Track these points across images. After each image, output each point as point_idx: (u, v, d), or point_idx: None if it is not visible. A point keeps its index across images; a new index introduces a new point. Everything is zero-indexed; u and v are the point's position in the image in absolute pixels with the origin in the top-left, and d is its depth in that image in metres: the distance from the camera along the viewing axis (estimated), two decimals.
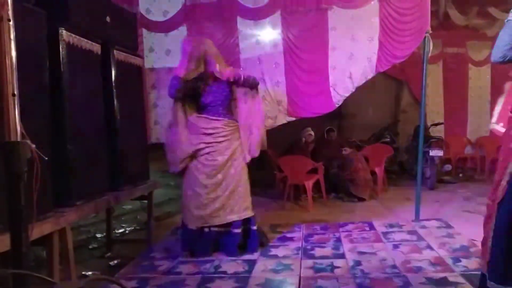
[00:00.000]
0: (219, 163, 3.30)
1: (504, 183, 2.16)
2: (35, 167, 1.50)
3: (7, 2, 1.40)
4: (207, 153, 3.30)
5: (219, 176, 3.30)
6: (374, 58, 4.37)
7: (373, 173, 5.75)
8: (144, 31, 4.76)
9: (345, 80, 4.47)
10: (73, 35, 2.70)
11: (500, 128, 2.63)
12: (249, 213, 3.42)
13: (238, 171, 3.38)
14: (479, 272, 2.41)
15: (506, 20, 2.18)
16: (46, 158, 1.64)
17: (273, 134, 4.94)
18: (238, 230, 3.39)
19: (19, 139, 1.43)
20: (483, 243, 2.33)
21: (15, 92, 1.42)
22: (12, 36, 1.43)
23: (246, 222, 3.44)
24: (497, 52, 2.18)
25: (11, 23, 1.42)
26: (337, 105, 4.61)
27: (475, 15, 6.62)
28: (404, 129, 7.58)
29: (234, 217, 3.34)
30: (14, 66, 1.43)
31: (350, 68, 4.44)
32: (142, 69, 3.90)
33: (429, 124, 6.88)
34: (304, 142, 6.09)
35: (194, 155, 3.34)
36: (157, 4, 4.74)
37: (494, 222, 2.21)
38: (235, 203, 3.35)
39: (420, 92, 4.42)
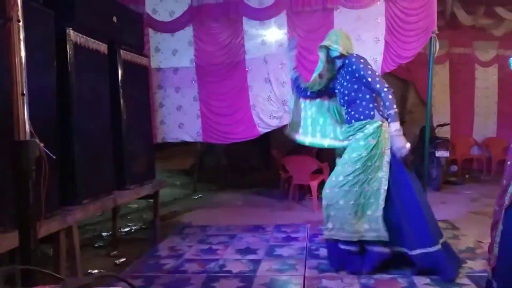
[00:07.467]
0: None
1: None
2: (43, 166, 1.52)
3: (17, 3, 1.41)
4: None
5: None
6: (380, 59, 4.36)
7: None
8: (151, 31, 4.79)
9: None
10: (80, 35, 2.73)
11: None
12: None
13: None
14: (485, 274, 2.37)
15: None
16: (54, 157, 1.66)
17: (278, 134, 4.94)
18: None
19: (27, 138, 1.45)
20: (490, 249, 2.26)
21: (24, 92, 1.43)
22: (22, 36, 1.44)
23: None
24: None
25: (20, 23, 1.43)
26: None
27: (482, 15, 6.56)
28: (410, 129, 7.54)
29: None
30: (23, 66, 1.44)
31: None
32: (148, 69, 3.92)
33: (435, 124, 6.85)
34: None
35: None
36: (163, 4, 4.78)
37: (501, 229, 2.13)
38: None
39: (426, 92, 4.40)
